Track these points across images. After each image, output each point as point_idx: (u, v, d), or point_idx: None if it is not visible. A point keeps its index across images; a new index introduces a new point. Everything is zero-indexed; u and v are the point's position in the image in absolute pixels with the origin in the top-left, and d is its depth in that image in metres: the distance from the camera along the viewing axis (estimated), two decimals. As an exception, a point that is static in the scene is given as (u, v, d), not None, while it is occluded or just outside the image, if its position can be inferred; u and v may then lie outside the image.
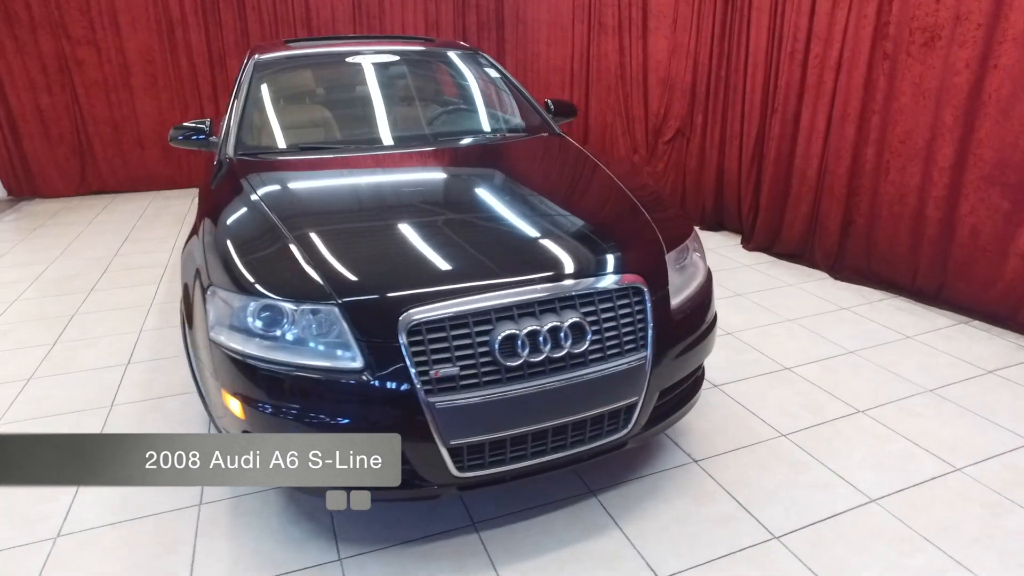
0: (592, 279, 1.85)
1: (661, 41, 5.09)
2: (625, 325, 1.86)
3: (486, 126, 3.12)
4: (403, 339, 1.66)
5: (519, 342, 1.71)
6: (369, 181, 2.49)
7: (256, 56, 3.13)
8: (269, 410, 1.71)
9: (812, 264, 4.15)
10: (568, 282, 1.82)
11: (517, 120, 3.18)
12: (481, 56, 3.46)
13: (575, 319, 1.77)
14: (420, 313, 1.68)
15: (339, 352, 1.69)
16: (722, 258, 4.32)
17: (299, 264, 1.85)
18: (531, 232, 2.08)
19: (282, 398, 1.70)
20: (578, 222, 2.18)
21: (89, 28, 6.06)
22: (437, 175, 2.56)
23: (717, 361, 2.86)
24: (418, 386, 1.66)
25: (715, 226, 4.95)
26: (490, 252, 1.94)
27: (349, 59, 3.25)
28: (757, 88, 4.30)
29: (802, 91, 4.01)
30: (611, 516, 2.01)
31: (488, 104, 3.28)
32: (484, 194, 2.36)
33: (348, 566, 1.84)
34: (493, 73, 3.37)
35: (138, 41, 6.17)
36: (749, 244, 4.52)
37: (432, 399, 1.66)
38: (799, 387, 2.73)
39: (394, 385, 1.66)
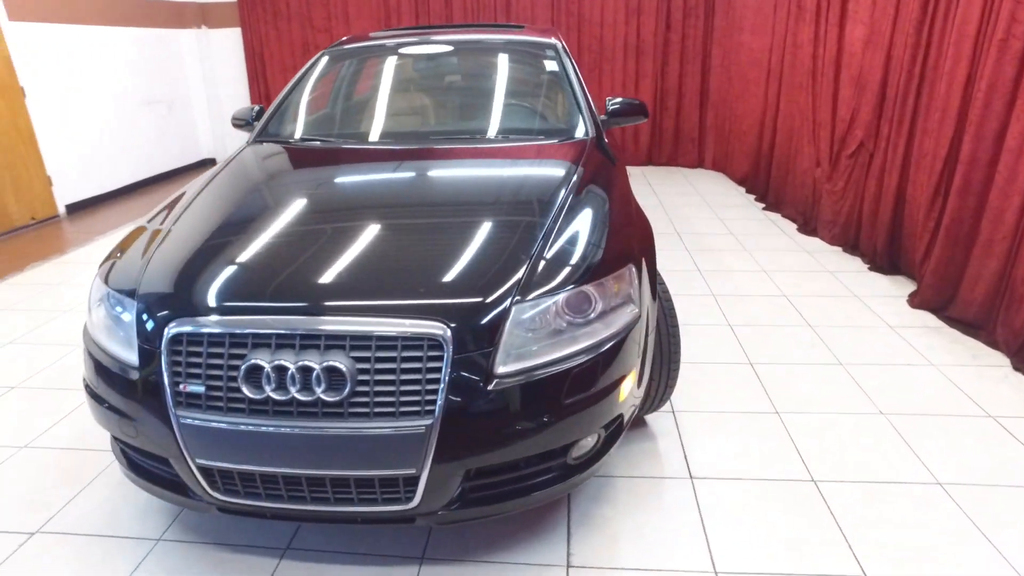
0: (374, 319, 1.55)
1: (858, 29, 4.01)
2: (406, 383, 1.54)
3: (510, 126, 2.78)
4: (163, 346, 1.61)
5: (264, 375, 1.53)
6: (320, 178, 2.37)
7: (325, 50, 3.28)
8: (90, 389, 1.81)
9: (992, 343, 2.94)
10: (341, 318, 1.56)
11: (553, 122, 2.80)
12: (551, 47, 3.12)
13: (334, 363, 1.52)
14: (182, 325, 1.60)
15: (127, 346, 1.70)
16: (867, 311, 3.31)
17: (140, 252, 1.90)
18: (374, 258, 1.77)
19: (94, 379, 1.78)
20: (435, 253, 1.79)
21: (326, 18, 7.04)
22: (392, 179, 2.31)
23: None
24: (168, 397, 1.59)
25: (888, 268, 3.81)
26: (312, 273, 1.70)
27: (403, 51, 3.18)
28: (955, 91, 3.13)
29: (1014, 97, 2.81)
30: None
31: (534, 102, 2.95)
32: (396, 209, 2.07)
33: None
34: (554, 67, 3.01)
35: (360, 27, 6.97)
36: (915, 299, 3.38)
37: (179, 412, 1.58)
38: None
39: (150, 391, 1.62)
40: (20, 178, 5.11)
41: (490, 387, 1.54)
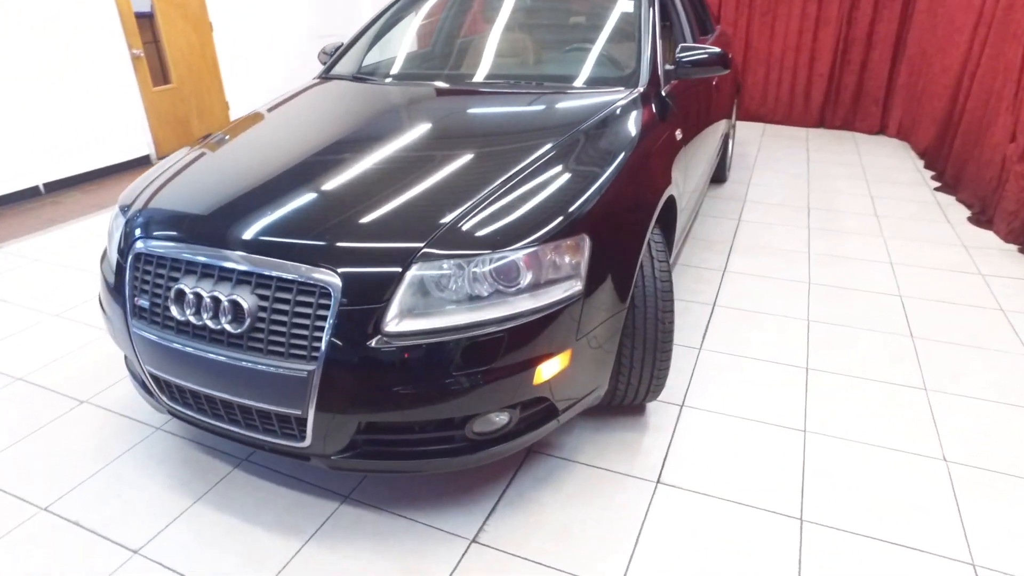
0: (276, 260, 1.56)
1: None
2: (296, 326, 1.53)
3: (555, 72, 2.53)
4: (128, 262, 1.77)
5: (186, 299, 1.62)
6: (329, 117, 2.35)
7: None
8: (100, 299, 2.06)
9: None
10: (249, 255, 1.59)
11: (604, 71, 2.49)
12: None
13: (237, 298, 1.55)
14: (142, 244, 1.74)
15: (113, 258, 1.90)
16: (1016, 339, 2.63)
17: (154, 174, 2.08)
18: (311, 198, 1.74)
19: (102, 288, 2.02)
20: (371, 198, 1.72)
21: None
22: (391, 120, 2.22)
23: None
24: (128, 308, 1.76)
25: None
26: (248, 209, 1.73)
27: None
28: None
29: None
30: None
31: (594, 46, 2.65)
32: (372, 151, 1.97)
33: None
34: (628, 7, 2.66)
35: None
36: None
37: (134, 323, 1.75)
38: None
39: (119, 302, 1.80)
40: (204, 102, 5.89)
41: (373, 343, 1.48)
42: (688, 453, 2.01)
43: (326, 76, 2.88)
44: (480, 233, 1.57)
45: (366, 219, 1.64)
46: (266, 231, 1.65)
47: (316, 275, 1.52)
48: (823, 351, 2.54)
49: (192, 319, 1.62)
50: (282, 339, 1.54)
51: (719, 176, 4.39)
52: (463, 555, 1.69)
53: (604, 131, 2.03)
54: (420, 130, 2.12)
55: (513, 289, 1.55)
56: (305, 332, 1.52)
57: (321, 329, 1.50)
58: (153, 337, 1.70)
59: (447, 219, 1.60)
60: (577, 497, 1.87)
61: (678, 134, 2.36)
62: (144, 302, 1.73)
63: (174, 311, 1.65)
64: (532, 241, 1.57)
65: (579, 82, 2.46)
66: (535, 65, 2.64)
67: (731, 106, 4.03)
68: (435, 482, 1.92)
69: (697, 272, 3.20)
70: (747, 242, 3.55)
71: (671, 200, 2.23)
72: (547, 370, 1.60)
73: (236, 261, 1.60)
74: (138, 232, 1.79)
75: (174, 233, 1.73)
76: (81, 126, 4.96)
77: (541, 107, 2.22)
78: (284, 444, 1.64)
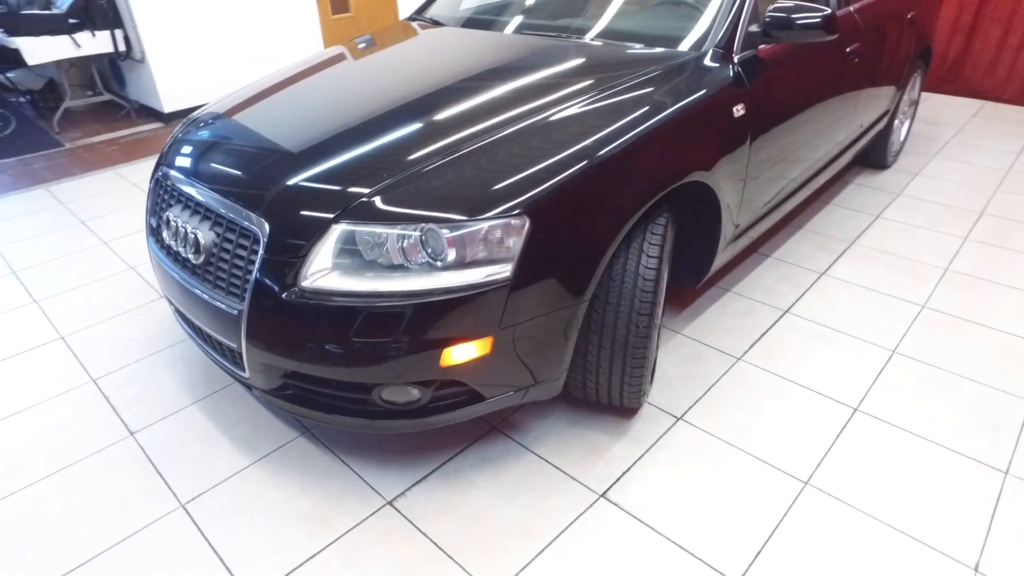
0: (229, 202, 1.64)
1: None
2: (234, 267, 1.60)
3: (615, 28, 2.25)
4: (151, 186, 1.98)
5: (170, 226, 1.77)
6: (377, 61, 2.31)
7: None
8: None
9: None
10: (211, 193, 1.69)
11: (678, 28, 2.15)
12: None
13: (197, 232, 1.66)
14: (163, 167, 1.92)
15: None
16: None
17: (225, 100, 2.25)
18: (296, 142, 1.76)
19: None
20: (343, 148, 1.70)
21: None
22: (421, 68, 2.13)
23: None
24: (148, 227, 1.99)
25: None
26: (236, 149, 1.81)
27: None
28: None
29: None
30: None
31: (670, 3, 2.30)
32: (386, 100, 1.91)
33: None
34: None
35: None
36: None
37: (149, 239, 1.97)
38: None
39: (149, 223, 2.02)
40: (376, 23, 6.25)
41: (285, 295, 1.51)
42: (653, 473, 1.81)
43: (414, 19, 2.87)
44: (406, 201, 1.50)
45: (310, 172, 1.64)
46: (228, 171, 1.73)
47: (247, 221, 1.58)
48: (891, 393, 2.08)
49: (171, 243, 1.78)
50: (224, 276, 1.63)
51: (879, 161, 3.69)
52: (372, 514, 1.71)
53: (615, 100, 1.78)
54: (452, 86, 2.03)
55: (432, 263, 1.47)
56: (238, 272, 1.60)
57: (251, 272, 1.57)
58: (158, 256, 1.89)
59: (382, 183, 1.55)
60: (510, 488, 1.78)
61: (738, 110, 2.00)
62: (152, 220, 1.94)
63: (164, 234, 1.82)
64: (458, 216, 1.47)
65: (641, 39, 2.17)
66: (600, 18, 2.37)
67: (903, 75, 3.31)
68: (389, 437, 1.96)
69: (788, 270, 2.77)
70: (871, 244, 2.97)
71: (706, 188, 1.94)
72: (458, 354, 1.52)
73: (201, 196, 1.71)
74: (167, 156, 1.98)
75: (182, 163, 1.88)
76: (260, 51, 5.51)
77: (567, 65, 2.01)
78: (235, 372, 1.77)
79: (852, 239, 3.02)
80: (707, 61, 2.01)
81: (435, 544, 1.63)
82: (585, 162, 1.59)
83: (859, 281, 2.69)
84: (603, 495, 1.75)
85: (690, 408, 2.03)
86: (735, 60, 2.06)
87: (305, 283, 1.51)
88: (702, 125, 1.88)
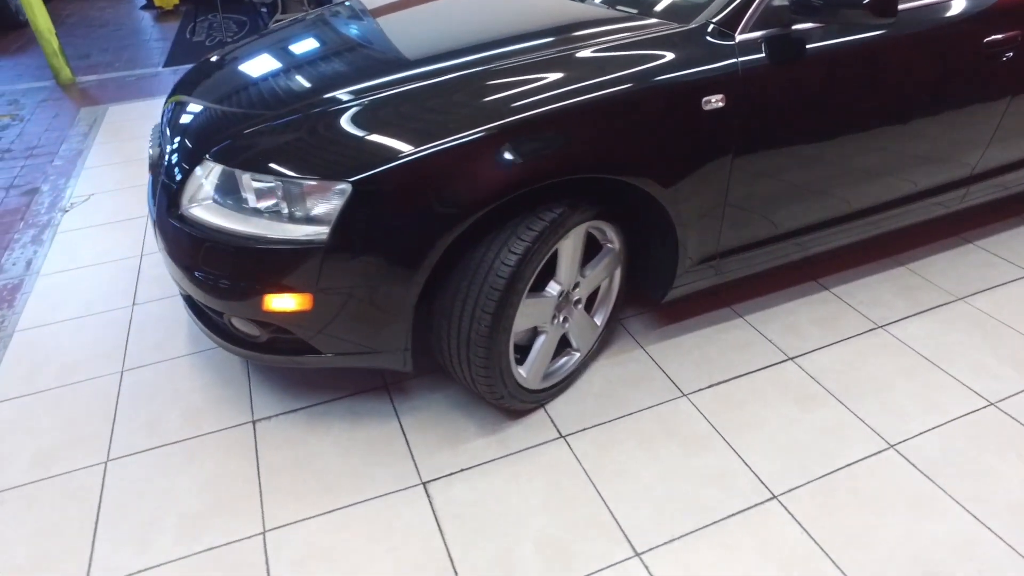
0: (171, 127, 1.82)
1: None
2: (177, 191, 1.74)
3: None
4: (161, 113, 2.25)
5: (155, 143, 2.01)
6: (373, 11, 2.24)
7: None
8: None
9: None
10: (180, 120, 1.83)
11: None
12: None
13: (166, 152, 1.81)
14: (169, 98, 2.16)
15: None
16: None
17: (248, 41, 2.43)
18: (261, 76, 1.84)
19: None
20: (262, 95, 1.73)
21: None
22: (410, 21, 2.03)
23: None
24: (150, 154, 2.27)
25: None
26: (215, 78, 1.94)
27: None
28: None
29: None
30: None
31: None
32: (370, 45, 1.89)
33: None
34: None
35: None
36: None
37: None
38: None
39: None
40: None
41: (170, 218, 1.65)
42: (486, 481, 1.69)
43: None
44: (256, 149, 1.54)
45: (215, 112, 1.74)
46: (207, 97, 1.88)
47: (168, 145, 1.74)
48: (836, 515, 1.63)
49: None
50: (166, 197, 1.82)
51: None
52: (234, 426, 1.87)
53: (525, 74, 1.56)
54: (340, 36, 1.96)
55: (260, 212, 1.52)
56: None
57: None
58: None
59: (245, 128, 1.60)
60: (352, 445, 1.80)
61: (711, 102, 1.62)
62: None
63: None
64: (289, 172, 1.47)
65: (638, 7, 1.85)
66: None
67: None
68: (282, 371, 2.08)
69: (836, 311, 2.23)
70: (982, 307, 2.24)
71: (655, 203, 1.67)
72: (278, 303, 1.55)
73: (171, 123, 1.91)
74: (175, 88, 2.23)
75: (178, 95, 2.10)
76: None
77: (511, 21, 1.81)
78: None
79: (960, 295, 2.31)
80: (705, 37, 1.65)
81: (258, 471, 1.75)
82: (442, 140, 1.46)
83: (922, 348, 2.08)
84: (424, 483, 1.70)
85: (583, 431, 1.82)
86: (737, 39, 1.66)
87: (183, 210, 1.65)
88: (641, 115, 1.57)
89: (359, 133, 1.50)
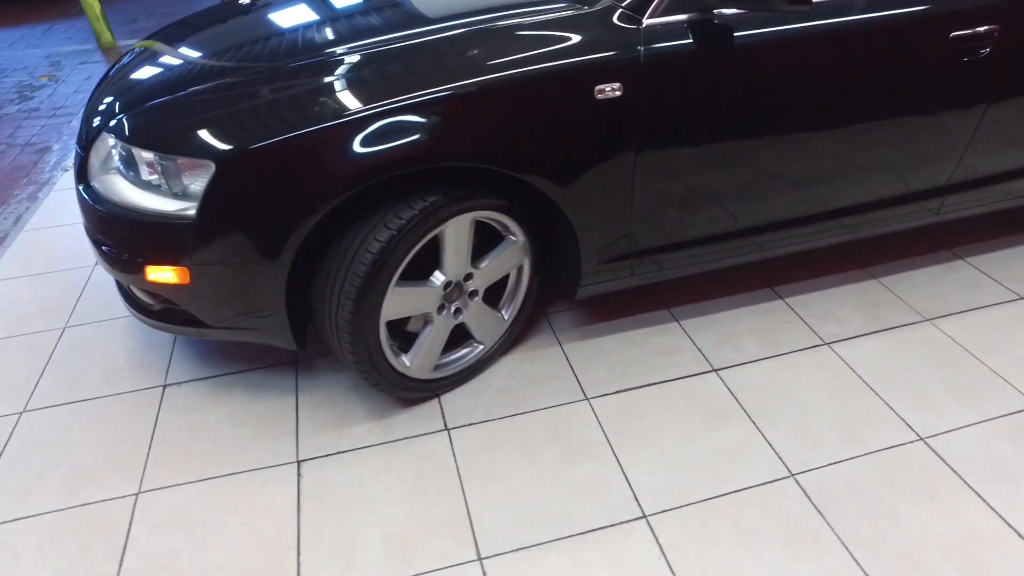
0: None
1: None
2: None
3: None
4: None
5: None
6: None
7: None
8: None
9: None
10: None
11: None
12: None
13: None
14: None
15: None
16: None
17: None
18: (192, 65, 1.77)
19: None
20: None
21: None
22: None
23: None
24: None
25: None
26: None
27: None
28: None
29: None
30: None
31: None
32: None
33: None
34: None
35: None
36: None
37: None
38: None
39: None
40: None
41: (82, 187, 1.70)
42: (357, 466, 1.68)
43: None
44: (145, 123, 1.56)
45: (137, 81, 1.77)
46: (123, 68, 1.94)
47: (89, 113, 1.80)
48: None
49: None
50: None
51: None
52: (144, 389, 1.95)
53: (400, 59, 1.52)
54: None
55: (137, 184, 1.55)
56: None
57: None
58: None
59: (135, 106, 1.62)
60: (247, 417, 1.84)
61: (607, 91, 1.51)
62: None
63: None
64: (162, 146, 1.48)
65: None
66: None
67: None
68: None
69: (785, 323, 2.07)
70: (955, 332, 2.02)
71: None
72: (157, 275, 1.58)
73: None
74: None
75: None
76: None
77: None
78: None
79: (929, 316, 2.09)
80: (611, 20, 1.55)
81: (152, 434, 1.81)
82: (304, 125, 1.43)
83: (865, 371, 1.90)
84: (299, 462, 1.71)
85: (470, 425, 1.78)
86: (644, 23, 1.54)
87: (92, 180, 1.70)
88: (524, 103, 1.49)
89: (227, 113, 1.50)
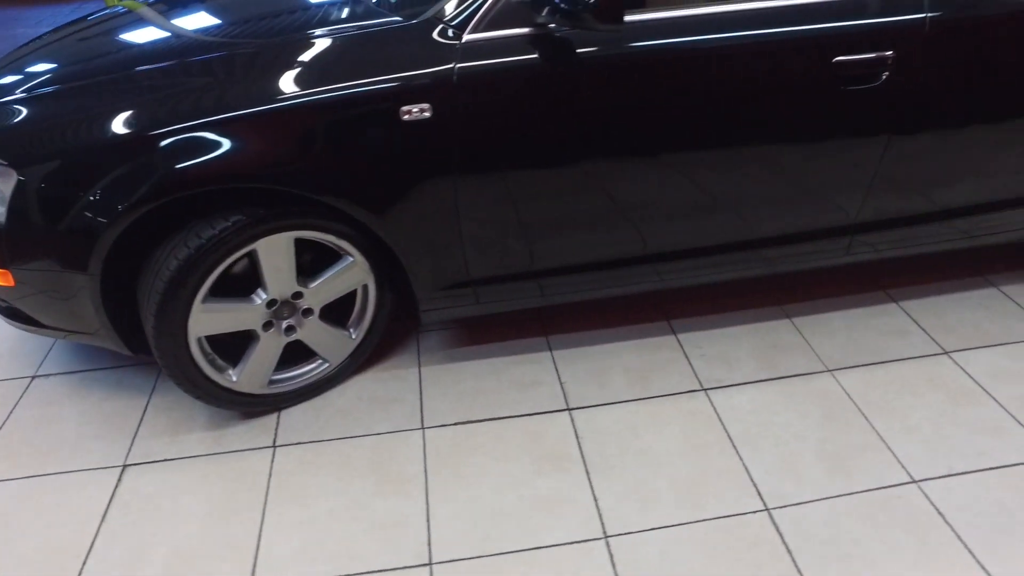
0: None
1: None
2: None
3: None
4: None
5: None
6: None
7: None
8: None
9: None
10: None
11: None
12: None
13: None
14: None
15: None
16: None
17: None
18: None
19: None
20: None
21: None
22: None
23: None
24: None
25: None
26: None
27: None
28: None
29: None
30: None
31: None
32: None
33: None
34: None
35: None
36: None
37: None
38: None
39: None
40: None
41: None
42: (173, 475, 1.67)
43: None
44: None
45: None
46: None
47: None
48: None
49: None
50: None
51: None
52: (13, 379, 2.01)
53: (205, 74, 1.47)
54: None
55: None
56: None
57: None
58: None
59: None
60: (98, 415, 1.85)
61: (416, 112, 1.40)
62: None
63: None
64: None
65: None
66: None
67: None
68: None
69: (667, 360, 1.90)
70: (857, 388, 1.80)
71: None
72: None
73: None
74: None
75: None
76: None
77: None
78: None
79: (832, 366, 1.88)
80: (431, 36, 1.44)
81: (5, 426, 1.86)
82: (96, 140, 1.41)
83: (734, 425, 1.73)
84: (124, 466, 1.72)
85: (297, 444, 1.74)
86: (464, 39, 1.42)
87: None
88: (325, 125, 1.41)
89: (33, 121, 1.50)
